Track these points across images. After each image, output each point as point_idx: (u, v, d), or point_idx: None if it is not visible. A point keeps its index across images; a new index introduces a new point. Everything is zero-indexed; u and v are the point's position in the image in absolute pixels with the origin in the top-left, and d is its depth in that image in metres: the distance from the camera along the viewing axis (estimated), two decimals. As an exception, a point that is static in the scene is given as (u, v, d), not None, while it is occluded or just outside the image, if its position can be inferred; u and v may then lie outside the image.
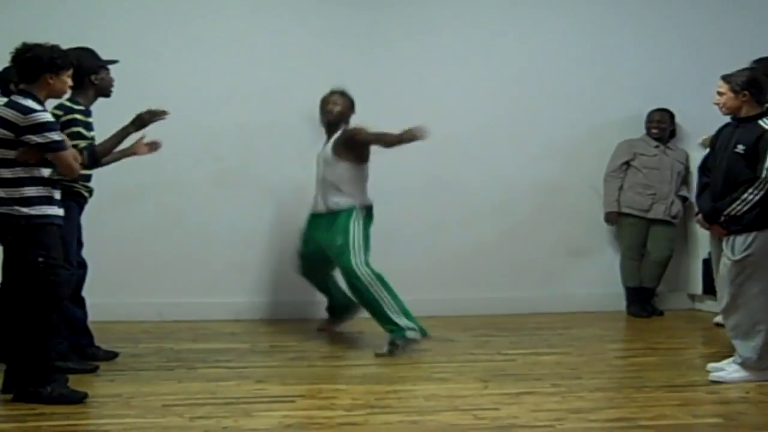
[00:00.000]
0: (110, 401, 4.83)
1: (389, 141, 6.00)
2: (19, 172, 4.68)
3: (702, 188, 5.42)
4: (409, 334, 5.95)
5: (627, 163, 7.41)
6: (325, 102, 6.35)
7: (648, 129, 7.42)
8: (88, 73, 5.44)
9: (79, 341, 5.58)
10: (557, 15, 7.60)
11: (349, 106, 6.35)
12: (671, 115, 7.47)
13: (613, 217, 7.44)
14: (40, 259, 4.69)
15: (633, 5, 7.67)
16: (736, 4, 7.71)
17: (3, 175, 4.68)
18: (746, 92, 5.15)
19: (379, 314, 5.99)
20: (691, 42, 7.62)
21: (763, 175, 5.06)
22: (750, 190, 5.08)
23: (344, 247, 6.05)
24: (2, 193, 4.67)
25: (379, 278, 6.00)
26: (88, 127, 5.46)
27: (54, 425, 4.39)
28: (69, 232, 5.16)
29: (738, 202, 5.11)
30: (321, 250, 6.26)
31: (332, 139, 6.29)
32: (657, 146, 7.42)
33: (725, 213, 5.16)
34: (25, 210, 4.67)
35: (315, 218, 6.35)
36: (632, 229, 7.39)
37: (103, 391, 5.00)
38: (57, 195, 4.84)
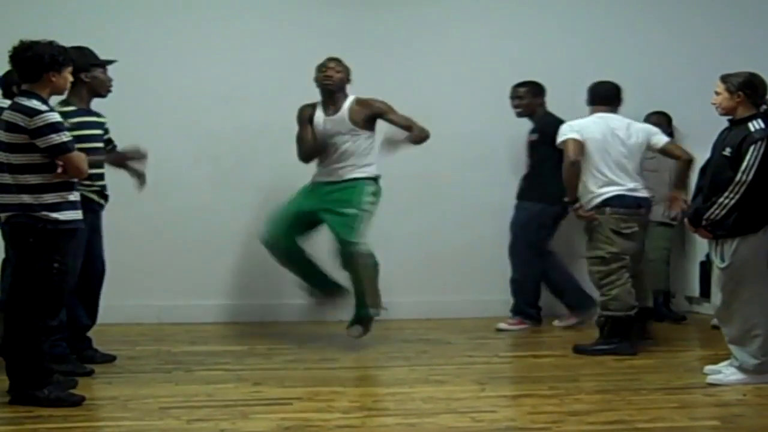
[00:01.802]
0: (108, 404, 4.83)
1: (411, 128, 6.18)
2: (46, 178, 4.61)
3: (697, 191, 5.43)
4: (374, 312, 6.19)
5: None
6: (323, 68, 6.30)
7: None
8: (78, 71, 5.38)
9: (77, 344, 5.58)
10: (555, 18, 7.61)
11: (348, 73, 6.33)
12: (668, 118, 7.46)
13: None
14: (55, 265, 4.65)
15: (631, 9, 7.68)
16: (734, 7, 7.72)
17: (28, 181, 4.60)
18: (741, 93, 5.15)
19: (365, 294, 6.14)
20: (689, 45, 7.62)
21: (738, 177, 5.04)
22: (726, 194, 5.07)
23: (352, 222, 6.06)
24: (30, 200, 4.60)
25: (374, 262, 6.11)
26: (84, 126, 5.45)
27: (51, 428, 4.39)
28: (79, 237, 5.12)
29: (715, 206, 5.10)
30: (307, 216, 6.20)
31: (346, 108, 6.26)
32: None
33: (705, 217, 5.17)
34: (53, 216, 4.62)
35: (319, 185, 6.28)
36: None
37: (100, 394, 5.00)
38: (78, 197, 4.81)
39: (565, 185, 6.17)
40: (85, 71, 5.46)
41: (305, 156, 6.32)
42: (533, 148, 7.10)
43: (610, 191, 6.07)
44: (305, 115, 6.35)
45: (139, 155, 5.68)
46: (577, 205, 6.13)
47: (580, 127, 6.14)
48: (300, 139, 6.31)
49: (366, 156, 6.28)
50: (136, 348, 6.18)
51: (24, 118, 4.57)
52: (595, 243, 6.12)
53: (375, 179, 6.29)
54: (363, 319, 6.18)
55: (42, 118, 4.57)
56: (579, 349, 6.13)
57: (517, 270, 7.14)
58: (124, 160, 5.68)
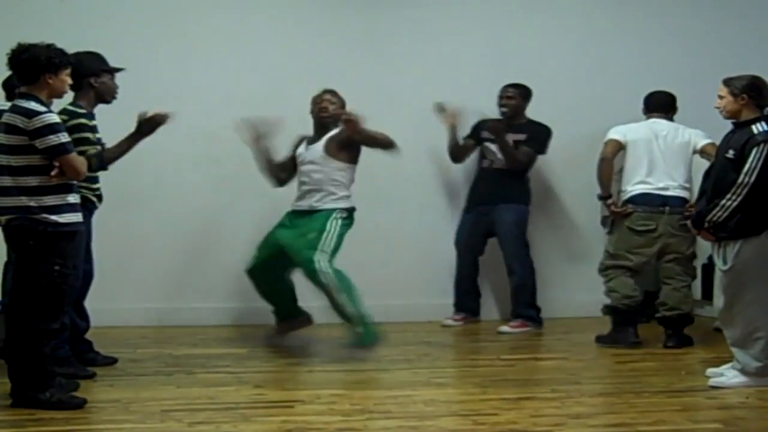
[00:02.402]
0: (109, 407, 4.83)
1: (386, 143, 6.09)
2: (45, 180, 4.61)
3: (700, 194, 5.43)
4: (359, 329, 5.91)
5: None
6: (318, 100, 6.34)
7: None
8: (87, 75, 5.41)
9: (77, 347, 5.58)
10: (554, 21, 7.58)
11: (342, 105, 6.31)
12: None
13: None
14: (56, 268, 4.65)
15: (631, 12, 7.66)
16: (735, 10, 7.70)
17: (28, 183, 4.61)
18: (745, 96, 5.15)
19: (341, 312, 5.92)
20: (691, 49, 7.60)
21: (740, 179, 5.04)
22: (728, 196, 5.07)
23: (314, 242, 5.99)
24: (30, 202, 4.60)
25: (340, 277, 5.92)
26: (94, 130, 5.46)
27: (53, 430, 4.39)
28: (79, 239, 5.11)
29: (718, 208, 5.10)
30: (282, 249, 6.17)
31: (325, 137, 6.26)
32: None
33: (707, 219, 5.16)
34: (53, 218, 4.61)
35: (294, 215, 6.30)
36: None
37: (101, 397, 4.99)
38: (78, 199, 4.81)
39: (598, 181, 6.54)
40: (95, 76, 5.47)
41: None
42: (517, 149, 7.13)
43: (638, 189, 6.40)
44: (294, 144, 6.48)
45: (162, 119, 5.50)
46: (609, 201, 6.51)
47: (626, 129, 6.55)
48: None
49: (338, 186, 6.22)
50: (138, 351, 6.18)
51: (23, 119, 4.57)
52: (609, 237, 6.58)
53: (346, 210, 6.21)
54: (354, 338, 5.97)
55: (40, 119, 4.57)
56: (597, 339, 6.48)
57: (517, 273, 7.15)
58: (148, 127, 5.47)
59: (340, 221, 6.13)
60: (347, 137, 6.15)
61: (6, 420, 4.52)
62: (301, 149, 6.39)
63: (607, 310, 6.49)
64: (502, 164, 7.14)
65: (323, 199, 6.20)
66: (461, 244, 7.29)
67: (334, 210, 6.16)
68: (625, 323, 6.38)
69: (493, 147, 7.15)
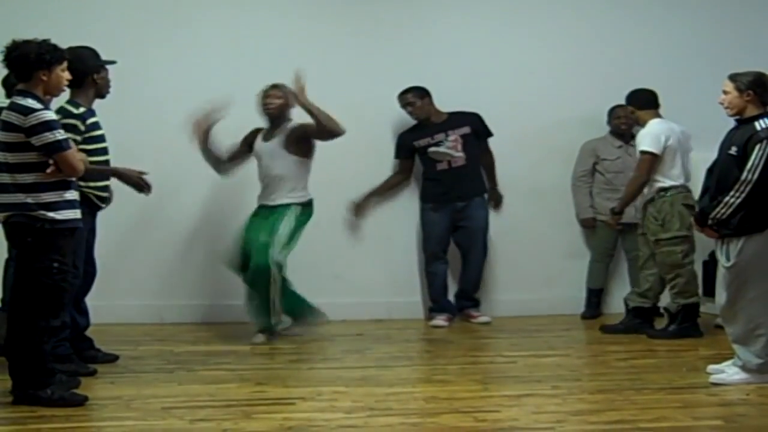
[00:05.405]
0: (110, 404, 4.83)
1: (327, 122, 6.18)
2: (42, 177, 4.61)
3: (704, 191, 5.42)
4: (277, 326, 6.42)
5: (593, 167, 7.39)
6: (265, 96, 6.47)
7: (615, 126, 7.30)
8: (91, 72, 5.40)
9: (78, 344, 5.58)
10: (560, 15, 7.55)
11: (289, 99, 6.40)
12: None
13: (590, 223, 7.42)
14: (55, 265, 4.65)
15: (637, 7, 7.62)
16: (742, 7, 7.65)
17: (25, 180, 4.61)
18: (750, 92, 5.13)
19: (262, 310, 6.30)
20: (698, 45, 7.54)
21: (743, 177, 5.04)
22: (731, 193, 5.07)
23: (266, 245, 6.20)
24: (28, 199, 4.59)
25: (283, 281, 6.30)
26: (93, 127, 5.45)
27: (54, 428, 4.40)
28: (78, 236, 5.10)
29: (721, 205, 5.10)
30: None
31: (281, 133, 6.40)
32: (620, 146, 7.29)
33: (711, 216, 5.16)
34: (50, 215, 4.61)
35: (262, 209, 6.46)
36: (603, 233, 7.37)
37: (103, 394, 5.00)
38: (77, 196, 4.81)
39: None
40: (97, 73, 5.46)
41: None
42: (468, 141, 7.12)
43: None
44: (246, 138, 6.58)
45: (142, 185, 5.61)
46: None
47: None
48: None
49: (297, 180, 6.40)
50: (139, 348, 6.18)
51: (19, 116, 4.57)
52: (670, 225, 6.49)
53: (301, 205, 6.40)
54: (267, 329, 6.38)
55: (36, 116, 4.56)
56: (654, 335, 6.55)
57: (481, 264, 7.26)
58: (127, 179, 5.61)
59: (295, 221, 6.34)
60: (301, 134, 6.34)
61: (7, 417, 4.53)
62: (258, 144, 6.51)
63: (681, 308, 6.46)
64: (462, 161, 7.09)
65: (280, 195, 6.37)
66: (434, 243, 7.19)
67: (289, 206, 6.35)
68: (696, 316, 6.51)
69: (442, 148, 7.05)
